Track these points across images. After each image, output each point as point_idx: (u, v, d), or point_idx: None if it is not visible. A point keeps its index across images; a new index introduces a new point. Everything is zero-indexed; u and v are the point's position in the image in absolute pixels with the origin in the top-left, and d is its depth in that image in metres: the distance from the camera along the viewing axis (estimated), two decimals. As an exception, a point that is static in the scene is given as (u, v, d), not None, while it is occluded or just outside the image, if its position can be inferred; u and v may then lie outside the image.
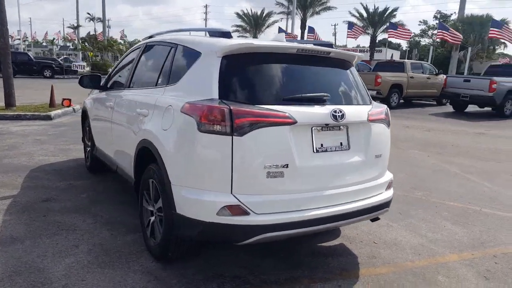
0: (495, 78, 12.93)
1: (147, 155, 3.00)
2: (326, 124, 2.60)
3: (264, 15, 43.12)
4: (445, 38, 25.03)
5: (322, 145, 2.60)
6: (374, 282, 2.84)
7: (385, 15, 37.06)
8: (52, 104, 10.80)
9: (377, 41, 39.81)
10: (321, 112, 2.59)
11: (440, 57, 35.43)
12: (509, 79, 13.40)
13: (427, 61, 23.23)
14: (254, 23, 42.88)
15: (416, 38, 50.59)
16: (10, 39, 10.57)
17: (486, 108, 14.70)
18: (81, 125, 5.70)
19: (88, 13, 64.02)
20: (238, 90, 2.53)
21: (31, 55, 28.97)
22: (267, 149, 2.40)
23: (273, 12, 42.76)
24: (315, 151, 2.57)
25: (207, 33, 3.67)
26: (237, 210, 2.36)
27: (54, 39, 56.65)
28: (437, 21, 37.46)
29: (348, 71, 3.04)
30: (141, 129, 3.07)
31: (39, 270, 2.76)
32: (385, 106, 3.17)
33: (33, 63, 26.36)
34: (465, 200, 4.79)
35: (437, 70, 16.88)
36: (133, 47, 4.37)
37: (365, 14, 38.06)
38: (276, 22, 43.33)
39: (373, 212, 2.87)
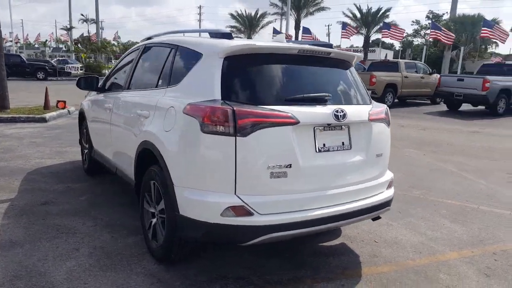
0: (488, 77, 13.05)
1: (148, 156, 3.00)
2: (328, 124, 2.61)
3: (258, 16, 43.12)
4: (438, 37, 25.24)
5: (324, 145, 2.61)
6: (376, 281, 2.86)
7: (378, 15, 37.23)
8: (46, 106, 10.73)
9: (370, 41, 39.99)
10: (323, 112, 2.60)
11: (433, 57, 35.67)
12: (501, 78, 13.54)
13: (421, 61, 23.39)
14: (249, 24, 42.87)
15: (409, 38, 50.89)
16: (2, 41, 10.46)
17: (479, 107, 14.84)
18: (78, 127, 5.67)
19: (82, 14, 63.75)
20: (240, 90, 2.53)
21: (24, 57, 28.74)
22: (270, 149, 2.40)
23: (267, 13, 42.81)
24: (317, 151, 2.58)
25: (201, 34, 3.67)
26: (241, 210, 2.36)
27: (46, 41, 56.28)
28: (430, 21, 37.73)
29: (348, 71, 3.05)
30: (142, 130, 3.06)
31: (40, 274, 2.74)
32: (385, 105, 3.19)
33: (26, 65, 26.15)
34: (462, 198, 4.83)
35: (430, 70, 17.01)
36: (131, 48, 4.35)
37: (358, 15, 38.21)
38: (271, 22, 43.40)
39: (375, 211, 2.88)
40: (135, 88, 3.70)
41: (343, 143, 2.71)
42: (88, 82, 4.56)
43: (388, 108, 3.19)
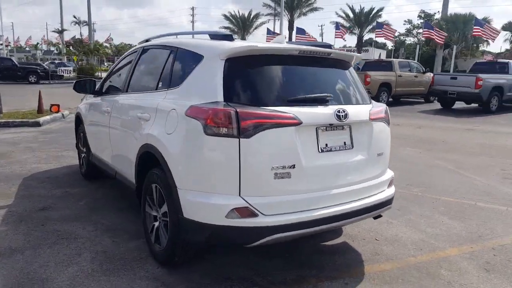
0: (481, 75, 13.18)
1: (149, 159, 2.99)
2: (330, 124, 2.63)
3: (251, 16, 43.15)
4: (431, 37, 25.44)
5: (326, 145, 2.63)
6: (379, 278, 2.87)
7: (371, 15, 37.51)
8: (40, 110, 10.65)
9: (363, 41, 40.21)
10: (325, 112, 2.62)
11: (425, 56, 35.96)
12: (494, 76, 13.71)
13: (414, 60, 23.56)
14: (242, 24, 42.86)
15: (402, 37, 51.25)
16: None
17: (472, 105, 14.98)
18: (73, 131, 5.63)
19: (74, 16, 63.27)
20: (243, 92, 2.54)
21: (15, 61, 28.48)
22: (274, 150, 2.41)
23: (261, 14, 42.83)
24: (320, 151, 2.59)
25: (195, 36, 3.67)
26: (246, 212, 2.36)
27: (38, 43, 55.76)
28: (422, 21, 38.02)
29: (347, 71, 3.07)
30: (143, 133, 3.05)
31: (42, 280, 2.72)
32: (384, 105, 3.21)
33: (18, 68, 25.89)
34: (460, 195, 4.87)
35: (424, 69, 17.14)
36: (128, 51, 4.34)
37: (351, 15, 38.50)
38: (264, 23, 43.32)
39: (377, 209, 2.91)
40: (134, 91, 3.68)
41: (345, 143, 2.73)
42: (85, 86, 4.54)
43: (387, 107, 3.22)
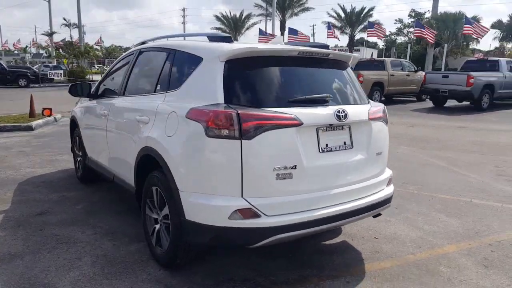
0: (472, 73, 13.35)
1: (149, 162, 2.99)
2: (331, 125, 2.65)
3: (243, 17, 43.12)
4: (423, 36, 25.66)
5: (327, 145, 2.65)
6: (380, 276, 2.90)
7: (362, 15, 37.76)
8: (32, 114, 10.55)
9: (354, 40, 40.44)
10: (325, 113, 2.64)
11: (416, 54, 36.29)
12: (485, 74, 13.87)
13: (405, 59, 23.76)
14: (234, 25, 42.79)
15: (392, 37, 51.65)
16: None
17: (464, 102, 15.15)
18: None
19: (64, 19, 62.69)
20: (243, 94, 2.55)
21: (4, 64, 28.16)
22: (276, 151, 2.42)
23: (252, 14, 42.81)
24: (320, 151, 2.61)
25: (186, 37, 3.65)
26: (249, 213, 2.37)
27: (27, 46, 55.25)
28: (412, 20, 38.32)
29: (345, 71, 3.10)
30: (142, 136, 3.04)
31: (44, 285, 2.70)
32: (382, 104, 3.24)
33: (7, 72, 25.61)
34: (455, 192, 4.93)
35: (416, 67, 17.30)
36: (124, 54, 4.32)
37: (342, 15, 38.69)
38: (256, 24, 43.34)
39: (377, 208, 2.93)
40: (132, 94, 3.67)
41: (344, 142, 2.75)
42: (80, 89, 4.52)
43: (385, 106, 3.25)
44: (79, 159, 5.15)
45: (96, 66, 53.12)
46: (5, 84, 25.23)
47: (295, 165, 2.46)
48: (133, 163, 3.21)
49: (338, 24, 38.19)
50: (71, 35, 49.93)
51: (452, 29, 32.47)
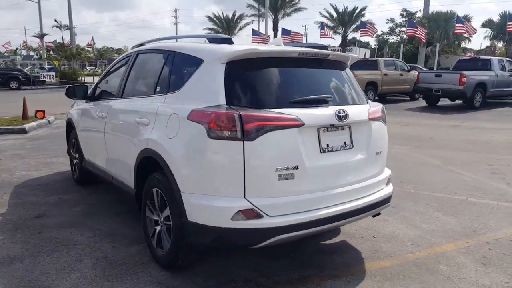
0: (465, 72, 13.49)
1: (149, 164, 2.98)
2: (331, 125, 2.67)
3: (236, 17, 43.08)
4: (417, 35, 25.87)
5: (328, 145, 2.67)
6: (381, 275, 2.92)
7: (354, 15, 37.95)
8: (25, 117, 10.45)
9: (347, 40, 40.63)
10: (326, 113, 2.66)
11: (409, 54, 36.57)
12: (477, 73, 14.02)
13: (398, 58, 23.93)
14: (226, 26, 42.72)
15: (385, 36, 51.97)
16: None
17: (457, 101, 15.29)
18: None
19: (56, 20, 62.15)
20: (244, 95, 2.56)
21: (-5, 67, 27.87)
22: (278, 152, 2.43)
23: (245, 15, 42.78)
24: (321, 151, 2.63)
25: (178, 39, 3.64)
26: (251, 214, 2.38)
27: (17, 48, 54.65)
28: (404, 19, 38.59)
29: (344, 71, 3.12)
30: (142, 138, 3.04)
31: (45, 288, 2.69)
32: (381, 104, 3.27)
33: (-2, 74, 25.36)
34: (451, 191, 4.98)
35: (409, 67, 17.43)
36: (121, 55, 4.31)
37: (335, 15, 38.84)
38: (249, 24, 43.30)
39: (377, 207, 2.96)
40: (130, 96, 3.66)
41: (345, 142, 2.78)
42: (77, 91, 4.51)
43: (383, 106, 3.27)
44: (75, 161, 5.12)
45: (87, 67, 52.78)
46: (-4, 87, 24.96)
47: (297, 166, 2.48)
48: (133, 165, 3.20)
49: (330, 24, 38.35)
50: (62, 37, 49.53)
51: (443, 28, 32.81)
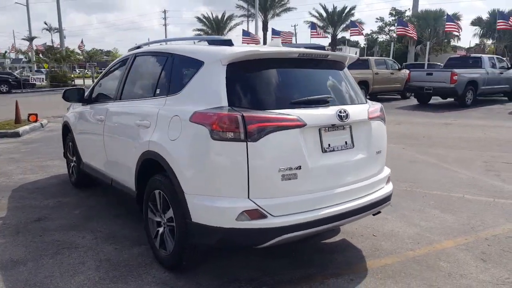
0: (456, 70, 13.64)
1: (150, 166, 2.99)
2: (333, 125, 2.70)
3: (225, 18, 43.04)
4: (408, 34, 26.10)
5: (329, 145, 2.70)
6: (382, 273, 2.96)
7: (344, 14, 38.16)
8: (18, 120, 10.36)
9: (336, 39, 40.83)
10: (327, 113, 2.69)
11: (398, 52, 36.86)
12: (468, 71, 14.19)
13: (388, 57, 24.11)
14: (216, 26, 42.66)
15: (374, 35, 52.30)
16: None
17: (448, 99, 15.46)
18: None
19: (45, 23, 61.56)
20: (246, 96, 2.58)
21: (-16, 70, 27.51)
22: (280, 152, 2.46)
23: (234, 15, 42.78)
24: (323, 151, 2.66)
25: (176, 41, 3.65)
26: (255, 214, 2.40)
27: (6, 52, 54.09)
28: (393, 18, 38.88)
29: (343, 72, 3.16)
30: (143, 141, 3.04)
31: (49, 291, 2.69)
32: (380, 103, 3.31)
33: (-13, 78, 25.04)
34: (447, 188, 5.05)
35: (399, 65, 17.59)
36: (119, 58, 4.30)
37: (324, 14, 39.02)
38: (238, 25, 43.26)
39: (377, 206, 3.00)
40: (129, 98, 3.66)
41: (346, 142, 2.81)
42: (74, 94, 4.49)
43: (382, 106, 3.32)
44: (72, 164, 5.10)
45: (77, 70, 52.35)
46: (-14, 90, 24.64)
47: (300, 166, 2.51)
48: (134, 167, 3.20)
49: (320, 23, 38.48)
50: (52, 39, 49.02)
51: (433, 26, 33.14)
